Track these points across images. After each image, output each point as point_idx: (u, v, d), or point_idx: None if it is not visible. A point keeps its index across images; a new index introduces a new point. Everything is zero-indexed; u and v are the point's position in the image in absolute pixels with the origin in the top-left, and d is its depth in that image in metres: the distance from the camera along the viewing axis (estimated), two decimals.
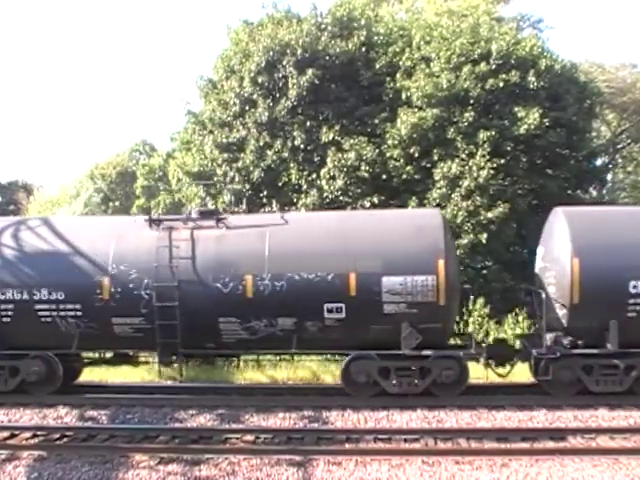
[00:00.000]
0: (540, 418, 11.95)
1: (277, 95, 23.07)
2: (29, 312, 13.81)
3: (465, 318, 17.96)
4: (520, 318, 18.27)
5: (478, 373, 15.10)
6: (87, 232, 14.51)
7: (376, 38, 23.40)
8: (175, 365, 14.71)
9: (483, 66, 21.55)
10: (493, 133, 20.96)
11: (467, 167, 20.78)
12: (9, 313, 13.90)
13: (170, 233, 13.93)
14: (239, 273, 13.38)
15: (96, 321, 13.72)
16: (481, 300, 18.39)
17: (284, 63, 22.66)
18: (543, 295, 13.77)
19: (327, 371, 16.66)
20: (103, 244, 13.97)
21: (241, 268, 13.40)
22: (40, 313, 13.80)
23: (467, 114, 21.22)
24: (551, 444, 10.54)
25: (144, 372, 17.76)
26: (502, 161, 20.81)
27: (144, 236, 14.06)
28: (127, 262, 13.70)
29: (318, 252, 13.37)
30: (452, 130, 21.30)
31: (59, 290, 13.73)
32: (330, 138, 22.02)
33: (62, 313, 13.76)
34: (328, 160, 21.80)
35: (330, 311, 13.17)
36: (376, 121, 22.37)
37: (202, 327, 13.56)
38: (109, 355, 15.56)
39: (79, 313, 13.74)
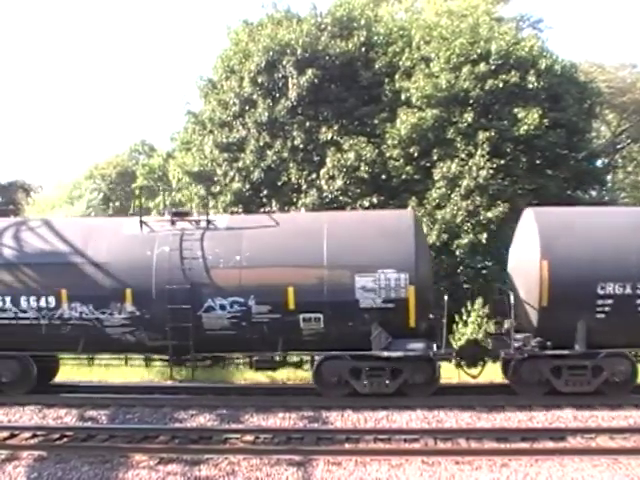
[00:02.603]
0: (540, 418, 11.95)
1: (277, 95, 23.08)
2: (629, 308, 13.06)
3: (465, 318, 17.94)
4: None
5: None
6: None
7: (376, 38, 23.41)
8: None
9: (483, 66, 21.55)
10: (492, 133, 20.95)
11: (467, 167, 20.79)
12: (606, 309, 13.08)
13: None
14: None
15: None
16: (480, 300, 18.33)
17: (284, 63, 22.67)
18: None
19: None
20: None
21: None
22: None
23: (467, 114, 21.22)
24: (551, 444, 10.54)
25: (144, 372, 17.76)
26: (502, 161, 20.81)
27: None
28: None
29: None
30: (452, 130, 21.30)
31: None
32: (329, 138, 22.03)
33: None
34: (327, 160, 21.81)
35: None
36: (375, 121, 22.38)
37: None
38: None
39: None
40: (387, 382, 13.22)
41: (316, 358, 13.57)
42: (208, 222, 14.16)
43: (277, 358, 13.96)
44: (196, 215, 14.80)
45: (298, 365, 14.55)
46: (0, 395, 13.82)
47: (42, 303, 13.81)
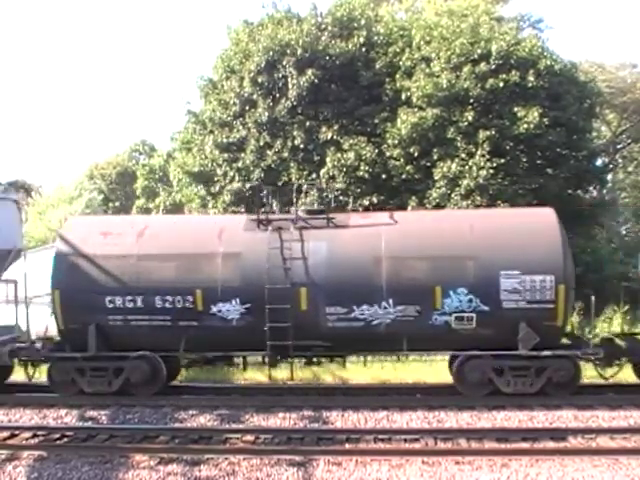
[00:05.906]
0: (540, 418, 11.92)
1: (277, 95, 23.08)
2: None
3: None
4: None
5: None
6: None
7: (376, 38, 23.41)
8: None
9: (483, 66, 21.56)
10: (493, 133, 20.96)
11: (467, 167, 20.78)
12: None
13: None
14: None
15: None
16: None
17: (284, 63, 22.67)
18: None
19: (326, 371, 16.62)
20: None
21: None
22: None
23: (467, 114, 21.22)
24: (551, 444, 10.51)
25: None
26: (502, 161, 20.81)
27: None
28: None
29: None
30: (452, 130, 21.30)
31: None
32: (329, 138, 22.02)
33: None
34: (327, 160, 21.81)
35: None
36: (376, 121, 22.38)
37: None
38: None
39: None
40: None
41: None
42: None
43: None
44: None
45: None
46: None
47: None
